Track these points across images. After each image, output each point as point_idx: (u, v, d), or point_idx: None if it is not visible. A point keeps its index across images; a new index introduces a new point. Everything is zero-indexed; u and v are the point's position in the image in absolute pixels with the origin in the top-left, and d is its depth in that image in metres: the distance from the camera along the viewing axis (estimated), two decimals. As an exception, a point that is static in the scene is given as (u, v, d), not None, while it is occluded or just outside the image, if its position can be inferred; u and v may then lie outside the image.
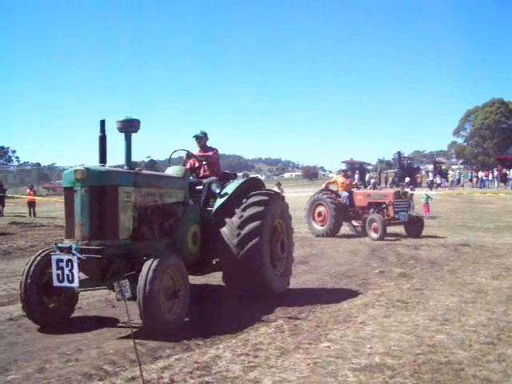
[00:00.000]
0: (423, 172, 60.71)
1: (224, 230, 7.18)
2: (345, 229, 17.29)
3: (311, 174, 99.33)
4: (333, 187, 17.97)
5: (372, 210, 16.19)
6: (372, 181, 17.82)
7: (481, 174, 49.21)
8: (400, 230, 16.52)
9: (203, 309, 7.12)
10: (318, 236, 16.33)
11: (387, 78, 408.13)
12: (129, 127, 6.45)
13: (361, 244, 14.15)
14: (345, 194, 16.83)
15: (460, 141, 77.49)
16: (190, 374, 4.63)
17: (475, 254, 11.88)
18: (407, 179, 31.34)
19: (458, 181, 50.88)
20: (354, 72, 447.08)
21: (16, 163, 76.81)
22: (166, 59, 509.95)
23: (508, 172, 46.78)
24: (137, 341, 4.87)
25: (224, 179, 8.12)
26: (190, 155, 8.37)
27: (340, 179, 17.51)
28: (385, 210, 15.96)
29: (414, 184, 43.57)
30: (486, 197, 33.33)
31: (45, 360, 5.06)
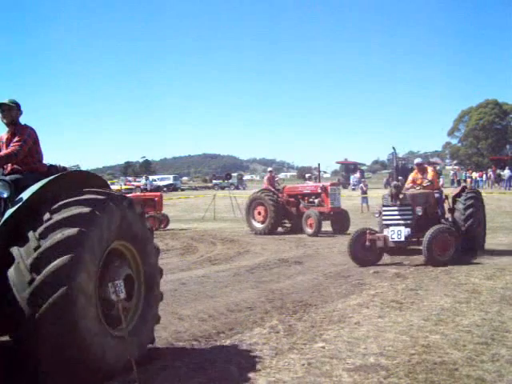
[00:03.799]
0: None
1: (11, 273, 4.06)
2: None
3: (306, 174, 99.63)
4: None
5: None
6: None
7: (475, 174, 49.40)
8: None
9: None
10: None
11: (382, 80, 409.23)
12: None
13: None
14: (436, 195, 12.21)
15: (454, 141, 77.85)
16: (185, 374, 4.63)
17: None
18: (401, 179, 31.31)
19: (453, 181, 51.07)
20: (349, 73, 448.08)
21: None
22: (161, 59, 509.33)
23: (502, 173, 46.97)
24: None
25: (47, 176, 4.83)
26: None
27: (410, 177, 12.76)
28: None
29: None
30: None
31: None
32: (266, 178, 19.72)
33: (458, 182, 45.58)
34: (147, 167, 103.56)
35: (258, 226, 17.79)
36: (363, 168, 71.05)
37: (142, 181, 51.07)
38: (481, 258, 11.12)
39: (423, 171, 12.48)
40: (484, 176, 48.46)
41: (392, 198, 11.04)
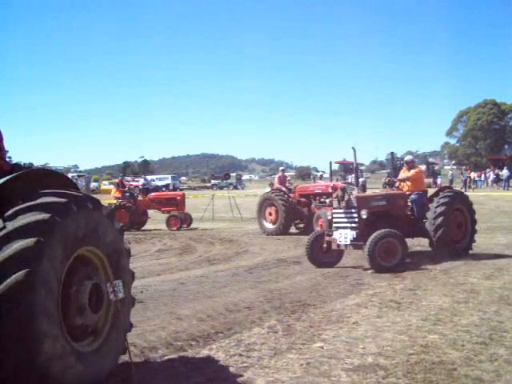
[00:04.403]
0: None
1: None
2: None
3: (304, 174, 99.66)
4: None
5: None
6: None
7: (473, 174, 49.46)
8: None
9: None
10: None
11: (380, 79, 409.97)
12: None
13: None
14: (412, 196, 11.67)
15: (453, 141, 78.04)
16: (183, 374, 4.63)
17: (468, 254, 11.90)
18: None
19: (451, 181, 51.16)
20: (347, 73, 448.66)
21: (8, 163, 76.55)
22: (160, 59, 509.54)
23: (501, 173, 47.03)
24: (129, 341, 4.86)
25: (8, 175, 4.14)
26: None
27: (400, 175, 12.53)
28: None
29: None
30: (479, 197, 33.47)
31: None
32: (276, 177, 19.42)
33: (465, 183, 45.56)
34: (146, 167, 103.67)
35: (270, 226, 17.53)
36: (362, 168, 71.05)
37: (141, 180, 51.11)
38: (479, 258, 11.12)
39: (411, 169, 12.09)
40: (482, 176, 48.50)
41: (338, 201, 10.87)
